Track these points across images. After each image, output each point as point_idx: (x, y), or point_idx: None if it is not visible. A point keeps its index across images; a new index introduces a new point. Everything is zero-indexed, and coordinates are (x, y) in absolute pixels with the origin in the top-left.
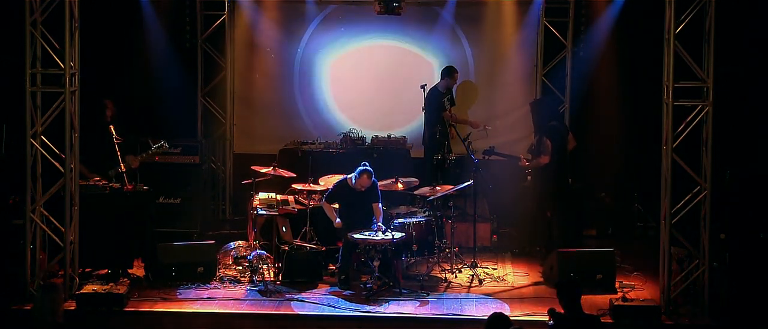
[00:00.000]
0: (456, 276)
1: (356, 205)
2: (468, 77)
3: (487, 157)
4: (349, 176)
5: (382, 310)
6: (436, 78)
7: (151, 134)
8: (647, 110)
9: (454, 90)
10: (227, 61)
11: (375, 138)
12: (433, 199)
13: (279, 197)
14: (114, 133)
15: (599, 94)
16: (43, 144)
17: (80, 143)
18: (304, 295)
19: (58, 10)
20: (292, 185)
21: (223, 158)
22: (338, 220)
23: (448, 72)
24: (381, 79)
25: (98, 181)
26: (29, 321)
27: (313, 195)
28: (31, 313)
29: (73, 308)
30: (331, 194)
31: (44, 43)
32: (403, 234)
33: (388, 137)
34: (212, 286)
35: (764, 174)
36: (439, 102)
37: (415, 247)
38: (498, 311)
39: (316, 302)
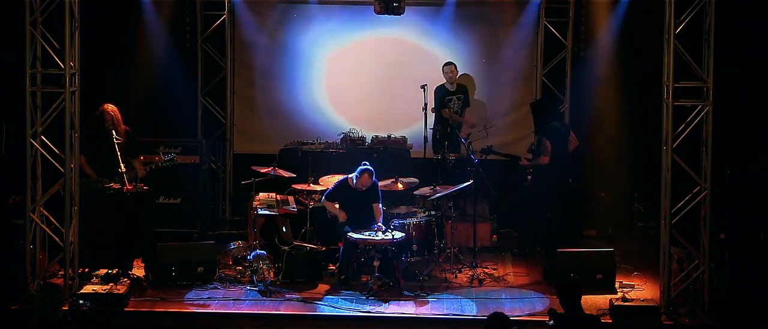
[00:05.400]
0: (456, 276)
1: (356, 205)
2: (469, 76)
3: (485, 156)
4: (349, 175)
5: (382, 310)
6: (436, 78)
7: (154, 134)
8: (647, 110)
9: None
10: (227, 61)
11: (375, 138)
12: (433, 199)
13: (279, 197)
14: (114, 135)
15: (599, 94)
16: (43, 144)
17: (84, 146)
18: (304, 295)
19: (58, 10)
20: (292, 185)
21: (223, 158)
22: (343, 212)
23: (442, 68)
24: (381, 79)
25: (106, 183)
26: (29, 321)
27: (313, 195)
28: (30, 313)
29: None
30: (332, 194)
31: (44, 43)
32: (403, 234)
33: (388, 137)
34: (212, 286)
35: (764, 174)
36: (443, 100)
37: (415, 247)
38: (498, 311)
39: (316, 302)
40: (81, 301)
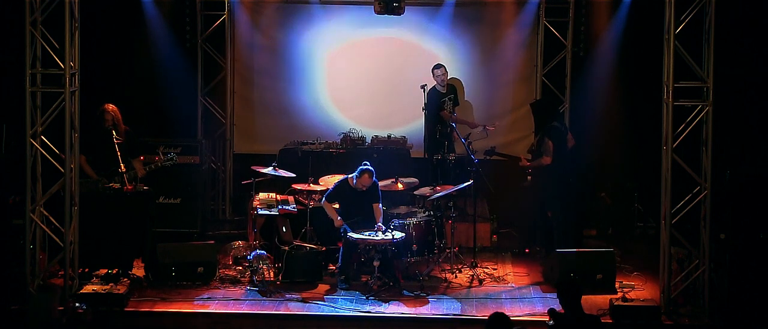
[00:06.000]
0: (456, 276)
1: (356, 205)
2: (469, 76)
3: (488, 157)
4: (349, 175)
5: (382, 310)
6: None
7: (154, 134)
8: (647, 110)
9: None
10: (227, 61)
11: (375, 138)
12: (433, 199)
13: (279, 197)
14: (114, 134)
15: (599, 94)
16: (43, 144)
17: (84, 145)
18: (304, 295)
19: (58, 10)
20: (292, 185)
21: (223, 158)
22: (340, 218)
23: (432, 71)
24: (381, 80)
25: (106, 183)
26: (25, 322)
27: (313, 195)
28: (26, 314)
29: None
30: (332, 194)
31: (44, 43)
32: (403, 234)
33: (388, 137)
34: (212, 286)
35: (764, 174)
36: (438, 102)
37: (415, 247)
38: (498, 311)
39: (316, 302)
40: (77, 304)
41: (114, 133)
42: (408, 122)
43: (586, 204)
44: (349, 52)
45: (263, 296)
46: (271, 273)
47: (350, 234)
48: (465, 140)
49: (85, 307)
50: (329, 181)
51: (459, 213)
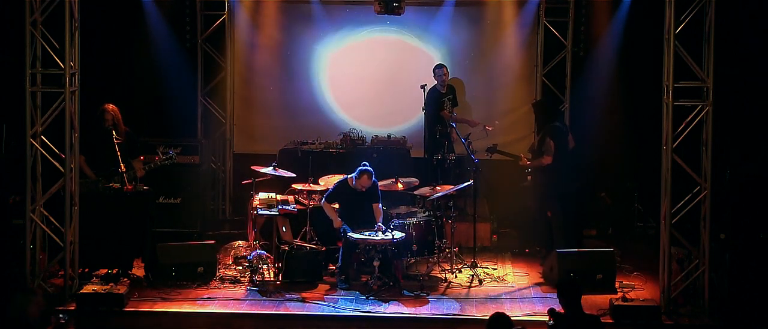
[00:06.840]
0: (456, 276)
1: (356, 205)
2: (469, 76)
3: (490, 155)
4: (349, 176)
5: (382, 310)
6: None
7: (154, 134)
8: (647, 110)
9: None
10: (227, 61)
11: (375, 138)
12: (433, 199)
13: (279, 197)
14: (114, 134)
15: (599, 94)
16: (43, 144)
17: (84, 145)
18: (304, 295)
19: (58, 10)
20: (292, 185)
21: (223, 158)
22: (339, 219)
23: (433, 71)
24: (381, 79)
25: (106, 183)
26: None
27: (313, 195)
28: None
29: (73, 308)
30: (332, 194)
31: (44, 43)
32: (403, 234)
33: (388, 137)
34: (212, 286)
35: (764, 174)
36: (438, 102)
37: (415, 247)
38: (498, 311)
39: (316, 302)
40: (61, 315)
41: (114, 133)
42: (408, 122)
43: (586, 204)
44: (349, 52)
45: (263, 296)
46: (271, 273)
47: (350, 234)
48: (465, 140)
49: (66, 319)
50: (329, 181)
51: (459, 213)
